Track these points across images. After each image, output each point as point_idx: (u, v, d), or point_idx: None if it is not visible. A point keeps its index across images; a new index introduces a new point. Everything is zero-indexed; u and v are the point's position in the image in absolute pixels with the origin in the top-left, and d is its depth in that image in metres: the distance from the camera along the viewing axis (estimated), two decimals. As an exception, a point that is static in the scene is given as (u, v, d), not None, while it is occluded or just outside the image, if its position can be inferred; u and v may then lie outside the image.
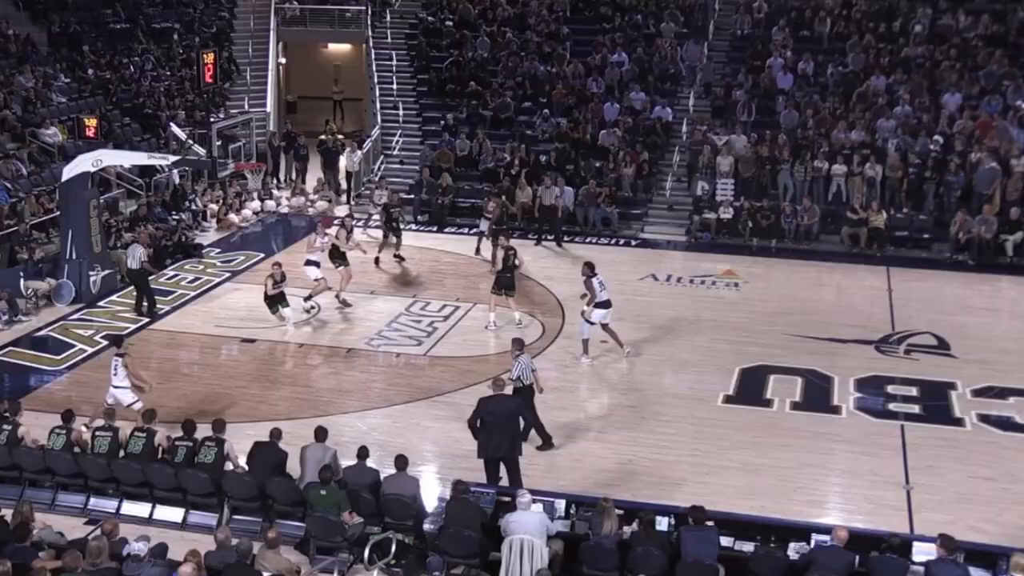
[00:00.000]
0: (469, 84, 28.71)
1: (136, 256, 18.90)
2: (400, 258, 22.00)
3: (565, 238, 23.80)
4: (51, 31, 29.42)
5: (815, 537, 10.55)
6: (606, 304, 16.69)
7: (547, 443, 13.74)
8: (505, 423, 12.26)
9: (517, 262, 18.29)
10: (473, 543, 10.68)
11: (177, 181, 25.67)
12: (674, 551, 10.35)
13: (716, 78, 27.99)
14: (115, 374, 13.96)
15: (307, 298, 18.79)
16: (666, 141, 26.71)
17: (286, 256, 21.29)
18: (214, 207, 25.10)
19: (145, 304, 18.96)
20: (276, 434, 12.30)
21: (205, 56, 25.37)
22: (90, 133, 24.89)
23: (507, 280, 18.20)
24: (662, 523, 10.78)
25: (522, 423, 12.44)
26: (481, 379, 15.29)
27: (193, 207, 24.79)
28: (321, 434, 12.11)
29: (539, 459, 13.14)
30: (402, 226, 22.48)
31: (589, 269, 16.83)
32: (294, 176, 28.63)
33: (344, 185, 27.57)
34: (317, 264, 18.89)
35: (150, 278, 19.49)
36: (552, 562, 10.30)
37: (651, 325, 18.67)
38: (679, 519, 10.76)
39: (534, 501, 10.82)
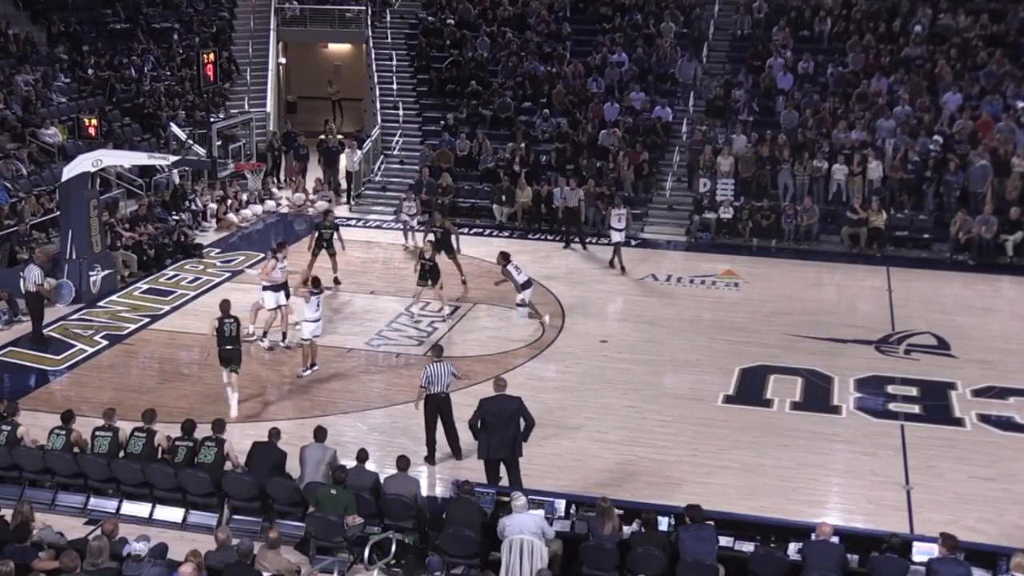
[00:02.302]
0: (469, 84, 28.70)
1: (31, 278, 17.44)
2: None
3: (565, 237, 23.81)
4: (51, 31, 29.41)
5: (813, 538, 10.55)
6: (529, 283, 18.45)
7: (456, 455, 13.51)
8: (506, 424, 12.26)
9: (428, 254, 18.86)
10: (473, 543, 10.69)
11: (177, 181, 25.69)
12: (674, 551, 10.35)
13: (716, 81, 27.85)
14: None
15: (263, 335, 17.35)
16: (666, 141, 26.71)
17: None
18: (214, 207, 25.11)
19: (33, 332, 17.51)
20: (275, 434, 12.33)
21: (205, 56, 25.39)
22: (90, 133, 24.92)
23: (428, 271, 18.75)
24: (662, 523, 10.78)
25: (523, 424, 12.43)
26: (481, 379, 15.30)
27: (193, 207, 24.79)
28: (321, 434, 12.15)
29: (539, 459, 13.14)
30: (335, 247, 20.25)
31: (504, 259, 18.39)
32: (294, 176, 28.64)
33: (344, 185, 27.60)
34: (275, 290, 17.24)
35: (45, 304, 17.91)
36: (552, 562, 10.30)
37: (651, 325, 18.73)
38: (679, 519, 10.76)
39: (534, 501, 10.82)
